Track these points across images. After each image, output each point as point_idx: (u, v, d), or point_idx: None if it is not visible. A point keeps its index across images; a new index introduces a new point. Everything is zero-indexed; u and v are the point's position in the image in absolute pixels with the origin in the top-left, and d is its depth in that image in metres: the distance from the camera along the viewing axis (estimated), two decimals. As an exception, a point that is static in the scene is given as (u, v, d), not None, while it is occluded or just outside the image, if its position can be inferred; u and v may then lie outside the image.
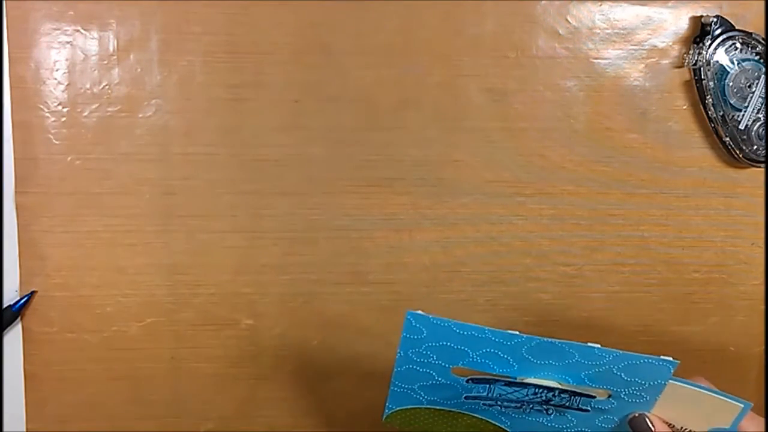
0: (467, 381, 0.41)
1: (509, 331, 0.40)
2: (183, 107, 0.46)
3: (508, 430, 0.44)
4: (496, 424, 0.44)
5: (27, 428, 0.47)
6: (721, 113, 0.46)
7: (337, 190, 0.47)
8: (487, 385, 0.41)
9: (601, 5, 0.47)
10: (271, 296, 0.48)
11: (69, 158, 0.46)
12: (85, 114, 0.46)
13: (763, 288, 0.50)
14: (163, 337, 0.48)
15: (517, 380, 0.41)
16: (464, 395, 0.42)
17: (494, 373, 0.41)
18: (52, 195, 0.46)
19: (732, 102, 0.46)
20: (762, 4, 0.47)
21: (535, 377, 0.41)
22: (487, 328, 0.40)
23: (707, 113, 0.47)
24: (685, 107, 0.48)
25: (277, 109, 0.46)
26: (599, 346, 0.40)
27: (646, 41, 0.47)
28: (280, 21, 0.46)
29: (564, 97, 0.47)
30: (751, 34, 0.46)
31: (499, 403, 0.42)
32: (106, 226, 0.46)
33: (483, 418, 0.44)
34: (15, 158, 0.45)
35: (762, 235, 0.50)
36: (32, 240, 0.46)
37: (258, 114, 0.46)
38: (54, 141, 0.46)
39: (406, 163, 0.47)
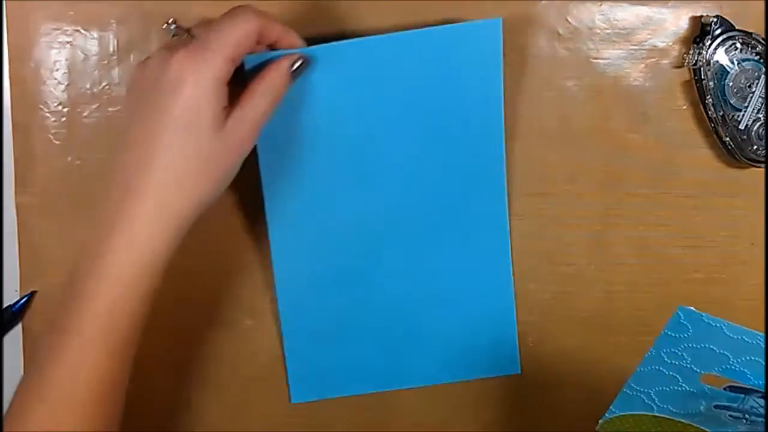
0: (726, 388, 0.39)
1: None
2: (183, 107, 0.46)
3: None
4: None
5: (27, 428, 0.47)
6: (721, 113, 0.46)
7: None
8: (742, 396, 0.40)
9: (601, 5, 0.47)
10: (271, 296, 0.48)
11: (69, 158, 0.46)
12: (85, 114, 0.46)
13: (763, 288, 0.50)
14: (163, 337, 0.48)
15: None
16: (713, 404, 0.40)
17: (752, 384, 0.39)
18: (52, 195, 0.46)
19: (732, 102, 0.46)
20: (762, 4, 0.47)
21: None
22: (759, 333, 0.37)
23: (707, 113, 0.47)
24: (685, 107, 0.48)
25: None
26: None
27: (646, 41, 0.47)
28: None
29: (564, 97, 0.47)
30: (751, 34, 0.46)
31: (746, 416, 0.40)
32: (106, 226, 0.46)
33: (706, 430, 0.41)
34: (15, 158, 0.45)
35: (762, 235, 0.50)
36: (32, 240, 0.46)
37: (258, 114, 0.46)
38: (54, 141, 0.46)
39: (406, 163, 0.47)
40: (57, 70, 0.45)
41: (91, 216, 0.45)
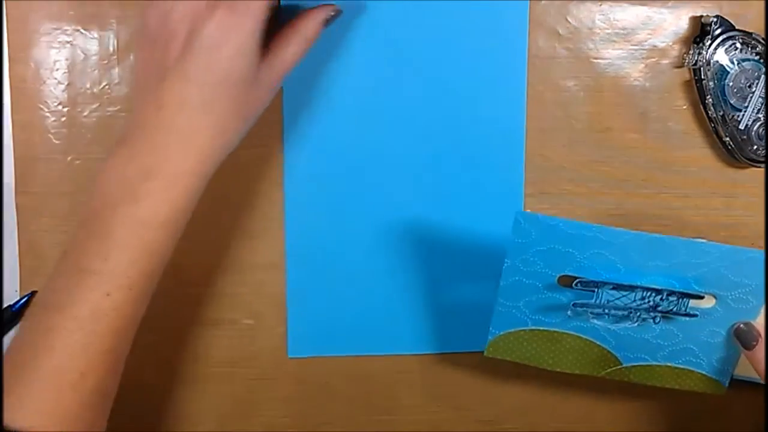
0: (575, 284, 0.41)
1: (617, 228, 0.40)
2: (183, 107, 0.46)
3: (612, 350, 0.44)
4: (600, 344, 0.44)
5: (27, 428, 0.47)
6: (721, 113, 0.46)
7: (337, 190, 0.47)
8: (595, 290, 0.42)
9: (601, 5, 0.47)
10: (270, 296, 0.48)
11: (69, 158, 0.46)
12: (85, 114, 0.46)
13: (763, 288, 0.50)
14: (162, 336, 0.48)
15: (625, 284, 0.41)
16: (571, 303, 0.42)
17: (601, 278, 0.41)
18: (52, 195, 0.46)
19: (732, 102, 0.46)
20: (762, 4, 0.47)
21: (642, 282, 0.41)
22: (595, 225, 0.40)
23: (707, 113, 0.47)
24: (685, 107, 0.48)
25: (277, 108, 0.46)
26: (706, 241, 0.40)
27: (646, 41, 0.47)
28: (280, 21, 0.46)
29: (564, 97, 0.47)
30: (751, 34, 0.46)
31: (606, 311, 0.42)
32: (106, 226, 0.46)
33: (588, 338, 0.44)
34: (15, 158, 0.45)
35: (762, 235, 0.50)
36: (32, 240, 0.46)
37: (258, 114, 0.46)
38: (54, 141, 0.46)
39: (406, 163, 0.47)
40: (57, 70, 0.45)
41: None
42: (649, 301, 0.42)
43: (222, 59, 0.35)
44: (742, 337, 0.42)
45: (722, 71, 0.46)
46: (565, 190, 0.48)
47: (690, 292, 0.41)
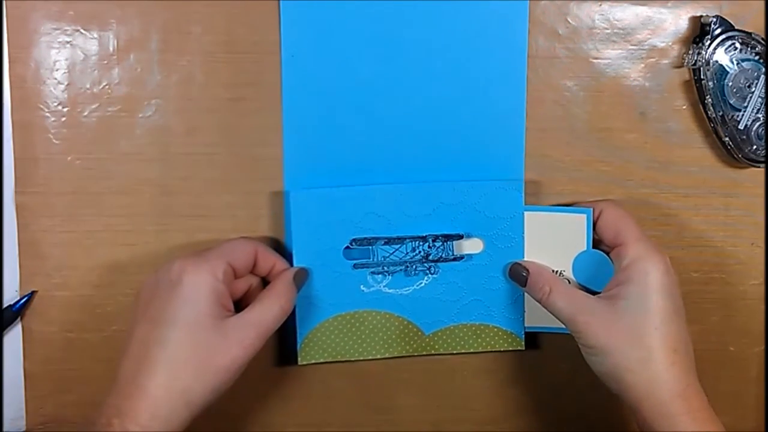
0: (351, 244, 0.44)
1: (379, 185, 0.44)
2: (183, 107, 0.46)
3: (411, 319, 0.46)
4: (399, 315, 0.46)
5: (27, 427, 0.47)
6: (721, 113, 0.46)
7: (337, 190, 0.47)
8: (369, 248, 0.45)
9: (601, 5, 0.47)
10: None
11: (69, 158, 0.46)
12: (85, 114, 0.46)
13: (763, 288, 0.50)
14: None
15: (394, 237, 0.45)
16: (352, 264, 0.45)
17: (374, 234, 0.44)
18: (52, 195, 0.46)
19: (731, 102, 0.46)
20: (762, 4, 0.47)
21: (411, 233, 0.45)
22: (362, 186, 0.44)
23: (707, 113, 0.47)
24: (685, 107, 0.48)
25: (277, 109, 0.46)
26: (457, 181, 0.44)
27: (646, 41, 0.47)
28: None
29: (564, 97, 0.47)
30: (751, 34, 0.46)
31: (385, 268, 0.45)
32: (106, 226, 0.46)
33: (386, 311, 0.46)
34: (15, 158, 0.45)
35: (762, 235, 0.50)
36: (32, 240, 0.46)
37: (258, 114, 0.46)
38: (54, 141, 0.46)
39: (406, 163, 0.47)
40: (57, 70, 0.45)
41: (91, 215, 0.46)
42: (419, 251, 0.44)
43: (181, 297, 0.38)
44: (515, 276, 0.45)
45: (722, 71, 0.46)
46: (566, 190, 0.48)
47: (450, 233, 0.44)
